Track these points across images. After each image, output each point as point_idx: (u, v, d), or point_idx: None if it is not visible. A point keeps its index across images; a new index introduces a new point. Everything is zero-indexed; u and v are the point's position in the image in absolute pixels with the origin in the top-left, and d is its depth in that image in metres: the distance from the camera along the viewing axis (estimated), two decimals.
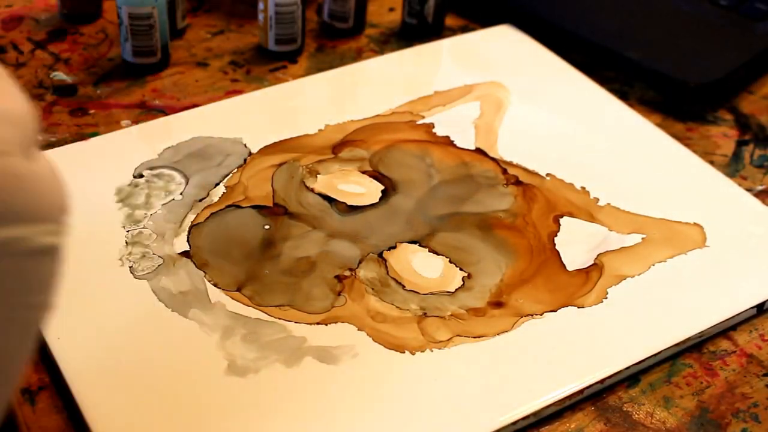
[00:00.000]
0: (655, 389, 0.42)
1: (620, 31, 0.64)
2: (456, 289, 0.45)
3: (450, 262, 0.47)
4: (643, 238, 0.49)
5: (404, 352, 0.42)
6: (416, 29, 0.66)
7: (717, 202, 0.52)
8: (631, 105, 0.59)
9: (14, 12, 0.66)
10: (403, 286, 0.45)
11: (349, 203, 0.50)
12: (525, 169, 0.53)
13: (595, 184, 0.52)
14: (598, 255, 0.48)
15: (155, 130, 0.54)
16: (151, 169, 0.51)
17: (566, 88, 0.60)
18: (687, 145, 0.56)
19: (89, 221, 0.46)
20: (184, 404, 0.39)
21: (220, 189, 0.50)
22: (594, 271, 0.47)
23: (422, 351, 0.42)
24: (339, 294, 0.45)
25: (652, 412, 0.41)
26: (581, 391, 0.41)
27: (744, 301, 0.46)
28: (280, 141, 0.54)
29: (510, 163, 0.53)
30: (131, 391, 0.40)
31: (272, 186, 0.50)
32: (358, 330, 0.43)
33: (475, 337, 0.43)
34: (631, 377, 0.43)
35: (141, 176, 0.50)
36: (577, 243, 0.48)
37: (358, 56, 0.64)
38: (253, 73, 0.61)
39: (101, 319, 0.42)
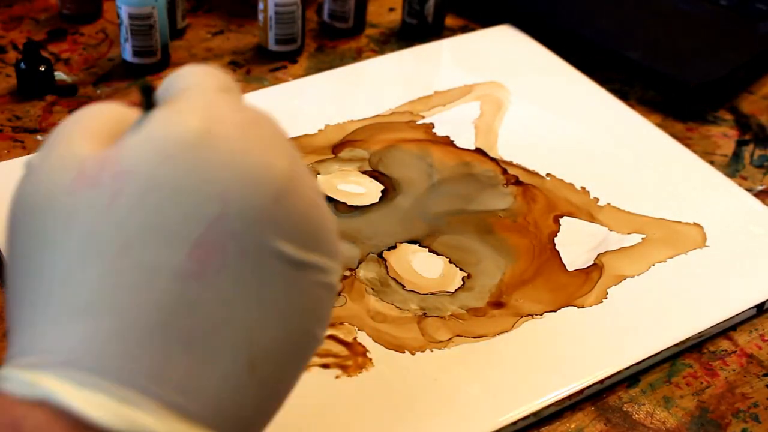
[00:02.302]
0: (655, 389, 0.42)
1: (620, 31, 0.64)
2: (456, 290, 0.45)
3: (450, 262, 0.47)
4: (643, 238, 0.49)
5: (404, 352, 0.42)
6: (416, 29, 0.66)
7: (717, 202, 0.52)
8: (631, 105, 0.59)
9: (14, 12, 0.66)
10: (403, 286, 0.45)
11: (349, 203, 0.50)
12: (525, 169, 0.53)
13: (595, 184, 0.52)
14: (598, 255, 0.48)
15: None
16: None
17: (566, 88, 0.60)
18: (687, 145, 0.56)
19: None
20: None
21: None
22: (594, 271, 0.47)
23: (422, 351, 0.42)
24: (339, 294, 0.45)
25: (652, 412, 0.41)
26: (581, 391, 0.41)
27: (744, 301, 0.46)
28: None
29: (510, 163, 0.53)
30: None
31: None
32: (359, 330, 0.43)
33: (475, 337, 0.43)
34: (631, 377, 0.43)
35: None
36: (577, 243, 0.48)
37: (358, 56, 0.64)
38: (253, 73, 0.61)
39: None
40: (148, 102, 0.28)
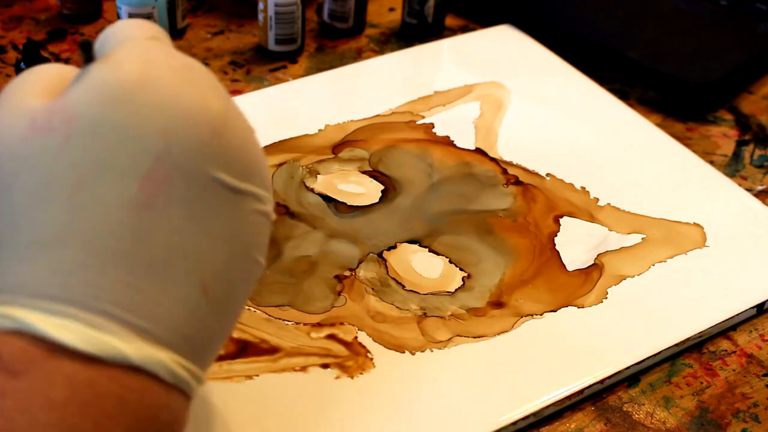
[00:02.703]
0: (655, 389, 0.42)
1: (620, 31, 0.64)
2: (456, 290, 0.45)
3: (450, 262, 0.47)
4: (643, 238, 0.49)
5: (404, 352, 0.42)
6: (416, 29, 0.66)
7: (717, 202, 0.52)
8: (631, 105, 0.59)
9: (14, 12, 0.66)
10: (403, 286, 0.45)
11: (349, 203, 0.50)
12: (525, 169, 0.53)
13: (595, 184, 0.52)
14: (598, 255, 0.48)
15: None
16: None
17: (566, 88, 0.60)
18: (687, 145, 0.56)
19: None
20: None
21: None
22: (594, 271, 0.47)
23: (422, 351, 0.42)
24: (339, 294, 0.45)
25: (652, 412, 0.41)
26: (581, 391, 0.41)
27: (744, 301, 0.46)
28: (280, 141, 0.54)
29: (510, 163, 0.53)
30: None
31: (272, 186, 0.50)
32: (359, 330, 0.43)
33: (475, 337, 0.43)
34: (631, 377, 0.43)
35: None
36: (577, 243, 0.48)
37: (358, 56, 0.64)
38: (253, 73, 0.61)
39: None
40: (87, 56, 0.30)
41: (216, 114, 0.29)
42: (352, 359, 0.41)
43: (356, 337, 0.42)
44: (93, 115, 0.28)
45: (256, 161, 0.31)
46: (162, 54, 0.30)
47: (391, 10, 0.69)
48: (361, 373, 0.41)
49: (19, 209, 0.28)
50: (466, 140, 0.55)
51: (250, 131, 0.31)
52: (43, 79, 0.30)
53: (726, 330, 0.45)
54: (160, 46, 0.30)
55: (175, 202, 0.28)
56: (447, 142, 0.55)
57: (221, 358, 0.41)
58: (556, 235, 0.49)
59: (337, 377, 0.41)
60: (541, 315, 0.44)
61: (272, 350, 0.42)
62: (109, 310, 0.27)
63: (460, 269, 0.47)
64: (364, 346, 0.42)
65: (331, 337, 0.42)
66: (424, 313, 0.44)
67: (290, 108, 0.57)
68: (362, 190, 0.51)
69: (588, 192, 0.52)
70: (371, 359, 0.41)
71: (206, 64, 0.61)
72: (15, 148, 0.28)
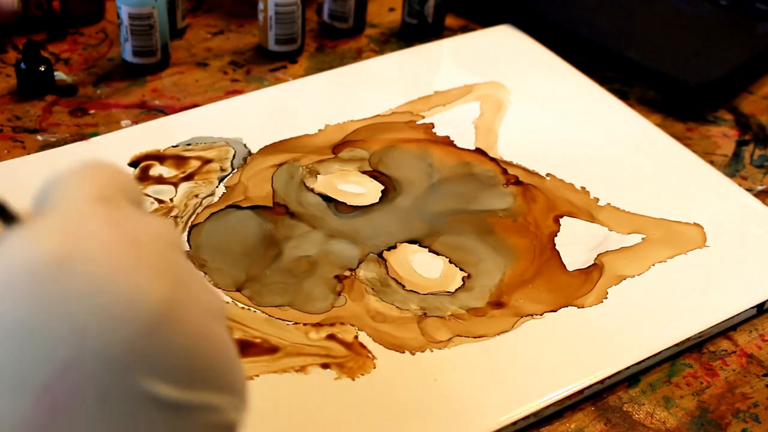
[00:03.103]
0: (655, 389, 0.42)
1: (620, 31, 0.64)
2: (456, 290, 0.45)
3: (450, 262, 0.47)
4: (643, 238, 0.49)
5: (404, 352, 0.42)
6: (416, 29, 0.66)
7: (717, 202, 0.52)
8: (631, 105, 0.59)
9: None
10: (403, 286, 0.45)
11: (349, 203, 0.50)
12: (525, 169, 0.53)
13: (595, 184, 0.52)
14: (598, 255, 0.48)
15: (155, 130, 0.54)
16: None
17: (566, 88, 0.60)
18: (687, 145, 0.56)
19: None
20: None
21: (221, 189, 0.50)
22: (594, 271, 0.47)
23: (422, 351, 0.42)
24: (339, 294, 0.45)
25: (652, 412, 0.41)
26: (581, 391, 0.41)
27: (744, 301, 0.46)
28: (280, 141, 0.54)
29: (510, 163, 0.53)
30: None
31: (272, 186, 0.50)
32: (359, 330, 0.43)
33: (475, 337, 0.43)
34: (631, 377, 0.43)
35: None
36: (577, 243, 0.48)
37: (358, 56, 0.64)
38: (253, 73, 0.61)
39: None
40: (4, 219, 0.24)
41: (155, 306, 0.22)
42: (352, 359, 0.41)
43: (356, 337, 0.42)
44: None
45: (213, 362, 0.24)
46: (99, 223, 0.23)
47: (391, 10, 0.69)
48: (362, 374, 0.41)
49: None
50: (466, 140, 0.55)
51: (209, 319, 0.24)
52: None
53: (726, 330, 0.45)
54: (104, 211, 0.24)
55: (85, 421, 0.22)
56: (447, 142, 0.55)
57: None
58: (556, 235, 0.49)
59: (337, 378, 0.41)
60: (541, 315, 0.44)
61: (272, 350, 0.42)
62: None
63: (460, 269, 0.47)
64: (364, 346, 0.42)
65: (331, 337, 0.42)
66: (424, 313, 0.44)
67: (290, 108, 0.57)
68: (362, 190, 0.51)
69: (588, 192, 0.52)
70: (371, 359, 0.41)
71: (206, 64, 0.61)
72: None
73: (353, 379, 0.40)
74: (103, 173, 0.26)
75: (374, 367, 0.41)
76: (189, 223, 0.48)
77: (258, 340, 0.42)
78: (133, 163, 0.51)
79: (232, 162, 0.52)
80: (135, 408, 0.22)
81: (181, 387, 0.23)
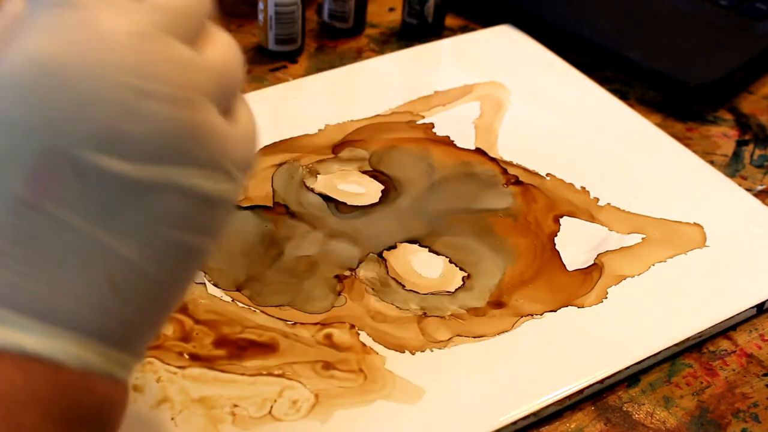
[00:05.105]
0: (655, 389, 0.42)
1: (620, 31, 0.64)
2: (456, 289, 0.45)
3: (450, 262, 0.47)
4: (643, 238, 0.49)
5: (404, 352, 0.42)
6: (416, 29, 0.66)
7: (717, 202, 0.52)
8: (631, 105, 0.59)
9: None
10: (403, 286, 0.45)
11: (349, 203, 0.50)
12: (525, 169, 0.53)
13: (595, 184, 0.52)
14: (598, 255, 0.48)
15: None
16: None
17: (566, 88, 0.60)
18: (687, 145, 0.56)
19: None
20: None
21: None
22: (594, 271, 0.47)
23: (422, 351, 0.42)
24: (339, 294, 0.45)
25: (652, 412, 0.41)
26: (581, 391, 0.41)
27: (744, 301, 0.46)
28: (280, 141, 0.54)
29: (510, 163, 0.53)
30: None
31: (272, 186, 0.50)
32: (359, 330, 0.43)
33: (475, 337, 0.43)
34: (631, 377, 0.43)
35: None
36: (577, 243, 0.48)
37: (358, 56, 0.64)
38: (253, 73, 0.61)
39: None
40: None
41: (111, 100, 0.26)
42: (352, 359, 0.41)
43: (357, 337, 0.42)
44: None
45: (172, 140, 0.26)
46: (72, 25, 0.26)
47: (391, 10, 0.69)
48: (362, 373, 0.41)
49: None
50: (466, 140, 0.55)
51: (166, 107, 0.26)
52: None
53: (726, 330, 0.45)
54: (73, 11, 0.26)
55: (66, 199, 0.26)
56: (447, 142, 0.55)
57: (221, 358, 0.41)
58: (556, 235, 0.49)
59: (337, 377, 0.41)
60: (541, 315, 0.44)
61: (272, 350, 0.42)
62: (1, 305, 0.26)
63: (460, 269, 0.47)
64: (365, 346, 0.42)
65: (331, 337, 0.42)
66: (424, 313, 0.44)
67: (290, 108, 0.57)
68: (362, 190, 0.51)
69: (588, 192, 0.52)
70: (372, 359, 0.41)
71: None
72: None
73: (352, 378, 0.40)
74: None
75: (374, 367, 0.41)
76: None
77: (258, 340, 0.42)
78: None
79: None
80: (110, 183, 0.26)
81: (155, 161, 0.26)
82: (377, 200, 0.50)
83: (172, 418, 0.38)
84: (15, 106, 0.25)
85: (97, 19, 0.26)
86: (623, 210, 0.51)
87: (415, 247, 0.48)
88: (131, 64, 0.26)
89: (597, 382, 0.41)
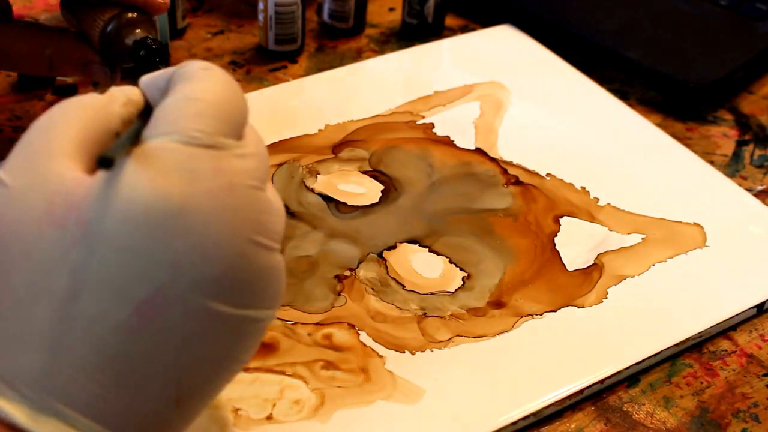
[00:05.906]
0: (655, 389, 0.42)
1: (620, 31, 0.64)
2: (456, 289, 0.45)
3: (450, 262, 0.47)
4: (643, 238, 0.49)
5: (404, 352, 0.42)
6: (416, 29, 0.66)
7: (717, 202, 0.52)
8: (631, 105, 0.59)
9: (14, 12, 0.66)
10: (403, 286, 0.45)
11: (349, 203, 0.50)
12: (525, 169, 0.53)
13: (595, 184, 0.52)
14: (598, 255, 0.48)
15: None
16: None
17: (566, 88, 0.60)
18: (687, 145, 0.56)
19: None
20: None
21: None
22: (594, 271, 0.47)
23: (422, 351, 0.42)
24: (339, 294, 0.45)
25: (652, 412, 0.41)
26: (581, 391, 0.41)
27: (744, 301, 0.46)
28: (280, 141, 0.54)
29: (510, 163, 0.53)
30: None
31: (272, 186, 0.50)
32: (359, 330, 0.43)
33: (475, 337, 0.43)
34: (631, 377, 0.43)
35: None
36: (577, 243, 0.48)
37: (358, 56, 0.64)
38: (253, 73, 0.61)
39: None
40: (106, 162, 0.27)
41: (235, 252, 0.28)
42: (352, 359, 0.41)
43: (357, 337, 0.42)
44: (107, 230, 0.27)
45: (267, 287, 0.30)
46: (207, 171, 0.28)
47: (391, 10, 0.69)
48: (362, 372, 0.41)
49: (8, 297, 0.28)
50: (466, 140, 0.55)
51: (266, 253, 0.30)
52: (80, 127, 0.29)
53: (726, 330, 0.45)
54: (210, 154, 0.29)
55: (166, 330, 0.28)
56: (447, 142, 0.55)
57: None
58: (556, 235, 0.49)
59: (337, 378, 0.40)
60: (541, 315, 0.44)
61: (272, 350, 0.42)
62: (76, 416, 0.27)
63: (460, 269, 0.47)
64: (365, 346, 0.42)
65: (331, 337, 0.42)
66: (424, 313, 0.44)
67: (290, 108, 0.57)
68: (362, 190, 0.51)
69: (588, 192, 0.52)
70: (372, 359, 0.41)
71: None
72: (24, 232, 0.28)
73: (352, 378, 0.40)
74: (214, 105, 0.30)
75: (374, 367, 0.41)
76: None
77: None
78: None
79: None
80: (204, 320, 0.28)
81: (241, 307, 0.29)
82: (377, 200, 0.50)
83: None
84: (143, 237, 0.27)
85: (229, 169, 0.29)
86: (623, 210, 0.51)
87: (415, 247, 0.48)
88: (252, 218, 0.29)
89: (597, 382, 0.41)
